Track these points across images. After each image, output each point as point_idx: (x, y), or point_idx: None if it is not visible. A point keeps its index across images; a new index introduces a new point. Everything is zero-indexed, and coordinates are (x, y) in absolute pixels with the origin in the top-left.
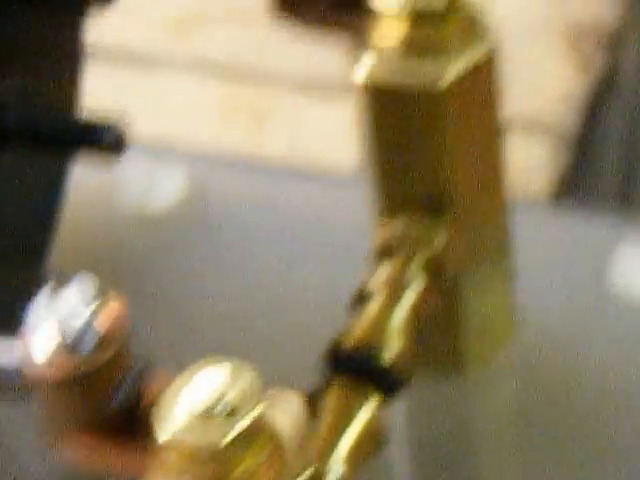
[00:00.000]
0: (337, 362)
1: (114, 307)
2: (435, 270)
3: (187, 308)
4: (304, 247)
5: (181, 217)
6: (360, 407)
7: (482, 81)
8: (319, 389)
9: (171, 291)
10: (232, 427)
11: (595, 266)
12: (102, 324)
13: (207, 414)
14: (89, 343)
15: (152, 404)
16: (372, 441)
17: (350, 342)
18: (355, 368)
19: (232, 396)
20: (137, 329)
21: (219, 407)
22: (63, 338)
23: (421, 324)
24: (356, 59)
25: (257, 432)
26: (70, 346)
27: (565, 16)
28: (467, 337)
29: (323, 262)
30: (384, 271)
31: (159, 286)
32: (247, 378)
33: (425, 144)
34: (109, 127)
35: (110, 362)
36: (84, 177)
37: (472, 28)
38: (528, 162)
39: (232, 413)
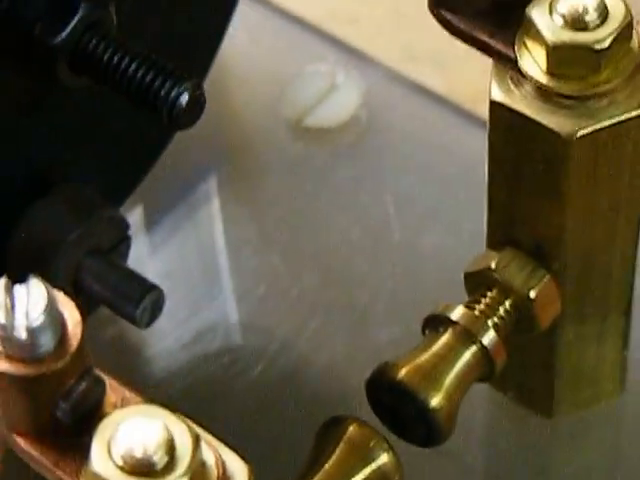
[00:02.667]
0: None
1: (72, 309)
2: (526, 320)
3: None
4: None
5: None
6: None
7: (626, 140)
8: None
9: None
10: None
11: None
12: (62, 326)
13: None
14: (45, 345)
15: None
16: None
17: (397, 375)
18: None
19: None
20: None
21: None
22: (21, 337)
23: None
24: (499, 78)
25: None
26: (27, 346)
27: None
28: (564, 386)
29: None
30: (466, 309)
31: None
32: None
33: (547, 188)
34: None
35: (65, 367)
36: None
37: (634, 79)
38: None
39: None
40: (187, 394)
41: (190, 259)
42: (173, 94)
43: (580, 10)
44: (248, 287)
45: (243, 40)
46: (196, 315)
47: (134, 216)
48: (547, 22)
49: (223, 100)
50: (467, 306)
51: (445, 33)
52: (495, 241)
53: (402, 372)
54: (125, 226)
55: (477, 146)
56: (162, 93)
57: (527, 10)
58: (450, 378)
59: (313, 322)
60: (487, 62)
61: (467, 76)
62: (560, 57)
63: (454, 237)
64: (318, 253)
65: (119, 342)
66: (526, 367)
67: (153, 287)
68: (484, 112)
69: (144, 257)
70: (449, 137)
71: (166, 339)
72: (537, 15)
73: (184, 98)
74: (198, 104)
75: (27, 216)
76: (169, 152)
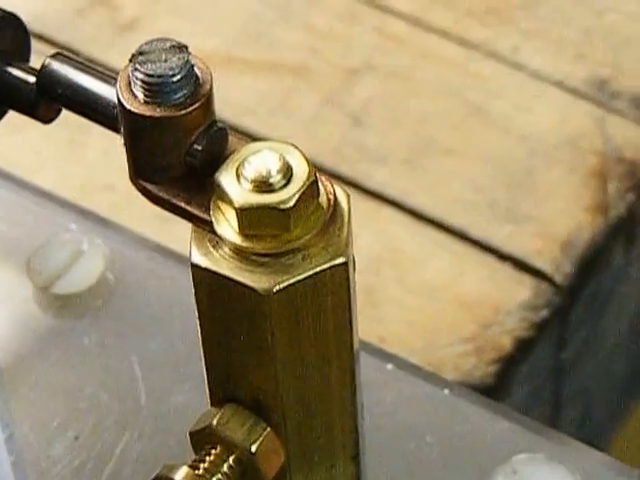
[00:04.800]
0: None
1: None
2: (251, 474)
3: None
4: None
5: None
6: None
7: (324, 292)
8: None
9: None
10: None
11: None
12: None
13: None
14: (183, 91)
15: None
16: None
17: None
18: None
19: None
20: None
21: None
22: (160, 84)
23: None
24: (198, 240)
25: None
26: (165, 91)
27: (598, 139)
28: None
29: None
30: (189, 469)
31: None
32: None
33: (250, 343)
34: None
35: (197, 113)
36: None
37: (327, 232)
38: (503, 303)
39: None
40: None
41: None
42: None
43: (264, 173)
44: None
45: None
46: None
47: None
48: (234, 187)
49: None
50: (191, 465)
51: None
52: (217, 398)
53: None
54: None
55: None
56: None
57: (215, 176)
58: None
59: None
60: None
61: None
62: (250, 219)
63: (202, 394)
64: (69, 419)
65: None
66: None
67: None
68: None
69: None
70: None
71: None
72: (225, 180)
73: None
74: None
75: None
76: None
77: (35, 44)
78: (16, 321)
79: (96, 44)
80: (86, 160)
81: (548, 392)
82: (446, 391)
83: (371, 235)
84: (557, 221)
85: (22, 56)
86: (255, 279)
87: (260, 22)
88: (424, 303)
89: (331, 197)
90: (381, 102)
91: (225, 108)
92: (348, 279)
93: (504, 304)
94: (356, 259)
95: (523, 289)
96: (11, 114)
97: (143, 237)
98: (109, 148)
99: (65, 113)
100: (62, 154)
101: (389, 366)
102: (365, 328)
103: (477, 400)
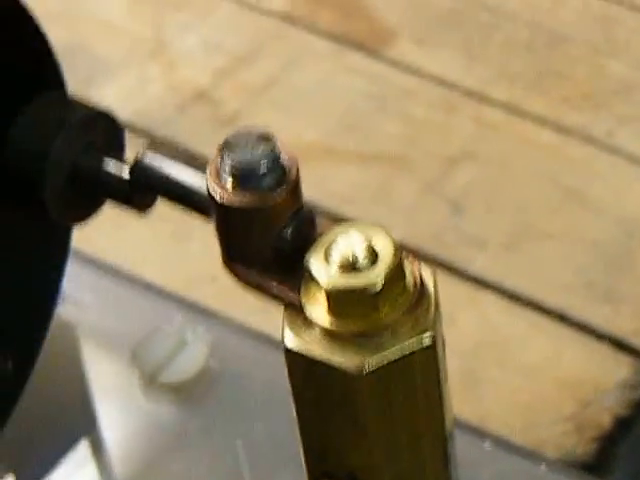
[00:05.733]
0: None
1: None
2: None
3: None
4: None
5: None
6: None
7: (414, 370)
8: None
9: None
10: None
11: None
12: (283, 161)
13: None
14: (271, 179)
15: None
16: None
17: None
18: None
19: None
20: None
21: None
22: (248, 173)
23: None
24: (290, 323)
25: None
26: (253, 180)
27: None
28: None
29: None
30: None
31: None
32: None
33: (344, 421)
34: None
35: (285, 199)
36: None
37: (414, 312)
38: (601, 382)
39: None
40: None
41: None
42: None
43: (350, 256)
44: None
45: (94, 306)
46: None
47: None
48: (323, 269)
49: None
50: None
51: None
52: (313, 476)
53: None
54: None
55: None
56: None
57: (305, 259)
58: None
59: None
60: None
61: None
62: (338, 300)
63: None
64: None
65: None
66: None
67: None
68: None
69: None
70: None
71: None
72: (314, 263)
73: None
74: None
75: None
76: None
77: (138, 139)
78: (123, 410)
79: (197, 138)
80: (190, 253)
81: None
82: (543, 467)
83: (471, 318)
84: None
85: (117, 150)
86: (346, 359)
87: (358, 113)
88: (524, 383)
89: (417, 276)
90: (479, 189)
91: (326, 198)
92: (437, 357)
93: (603, 383)
94: (457, 342)
95: (622, 368)
96: (116, 211)
97: (245, 326)
98: (211, 240)
99: (167, 209)
100: (166, 248)
101: (486, 444)
102: (466, 409)
103: (575, 475)
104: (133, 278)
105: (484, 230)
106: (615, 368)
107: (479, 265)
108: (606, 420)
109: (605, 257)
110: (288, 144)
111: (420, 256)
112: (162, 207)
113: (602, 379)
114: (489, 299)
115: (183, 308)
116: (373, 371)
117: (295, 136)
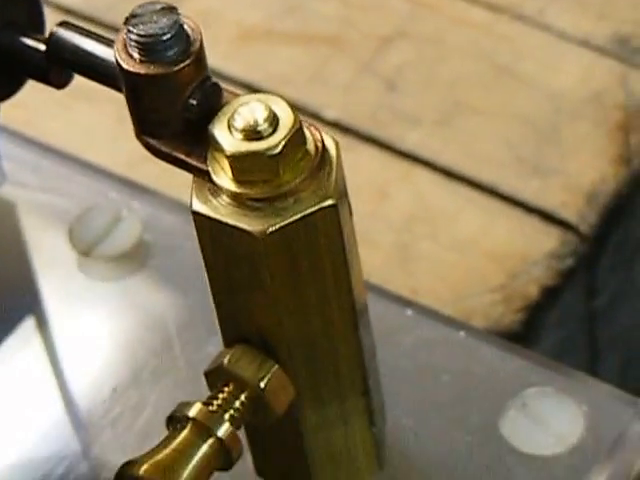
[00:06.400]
0: None
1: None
2: (262, 409)
3: None
4: None
5: None
6: None
7: (316, 233)
8: None
9: None
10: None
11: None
12: (187, 32)
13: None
14: (175, 49)
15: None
16: None
17: (138, 471)
18: None
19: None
20: None
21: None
22: (152, 44)
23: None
24: (198, 190)
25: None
26: (158, 51)
27: (621, 95)
28: (320, 468)
29: None
30: (202, 405)
31: None
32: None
33: (251, 285)
34: None
35: (189, 69)
36: None
37: (316, 177)
38: (529, 253)
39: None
40: None
41: None
42: None
43: (252, 122)
44: None
45: (34, 185)
46: None
47: None
48: (226, 136)
49: (14, 240)
50: (205, 403)
51: None
52: (228, 340)
53: (143, 468)
54: None
55: None
56: None
57: (209, 128)
58: (188, 470)
59: None
60: None
61: None
62: (242, 166)
63: None
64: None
65: None
66: (282, 454)
67: None
68: None
69: None
70: None
71: None
72: (218, 131)
73: None
74: None
75: None
76: None
77: (86, 26)
78: (61, 285)
79: None
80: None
81: (583, 340)
82: (462, 333)
83: (405, 194)
84: (582, 174)
85: (37, 28)
86: (250, 223)
87: None
88: (455, 257)
89: (319, 144)
90: (413, 67)
91: (265, 80)
92: (339, 221)
93: (531, 255)
94: (391, 217)
95: (550, 240)
96: (58, 93)
97: (178, 202)
98: None
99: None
100: (111, 129)
101: (409, 312)
102: (398, 282)
103: (492, 340)
104: (74, 158)
105: (418, 107)
106: (544, 240)
107: (413, 142)
108: (533, 290)
109: (535, 132)
110: (230, 26)
111: (356, 134)
112: (107, 90)
113: (530, 251)
114: (423, 175)
115: (119, 185)
116: (275, 232)
117: (237, 18)
